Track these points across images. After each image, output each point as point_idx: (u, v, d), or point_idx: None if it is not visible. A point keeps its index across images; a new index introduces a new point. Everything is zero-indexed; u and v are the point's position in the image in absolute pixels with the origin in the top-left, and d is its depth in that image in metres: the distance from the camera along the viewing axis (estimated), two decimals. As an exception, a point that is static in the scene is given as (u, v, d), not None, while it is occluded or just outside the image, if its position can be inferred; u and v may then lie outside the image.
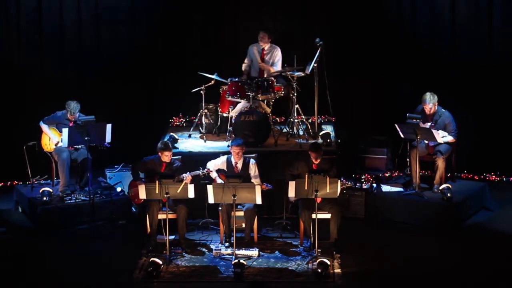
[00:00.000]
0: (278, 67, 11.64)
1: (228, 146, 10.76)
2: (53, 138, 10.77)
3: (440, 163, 10.55)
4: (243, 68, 11.82)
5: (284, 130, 11.41)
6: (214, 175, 9.98)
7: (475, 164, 11.98)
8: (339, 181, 9.28)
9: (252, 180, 9.81)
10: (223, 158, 10.09)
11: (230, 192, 9.16)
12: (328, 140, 11.10)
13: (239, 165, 9.97)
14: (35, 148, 10.95)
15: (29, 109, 12.15)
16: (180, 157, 10.52)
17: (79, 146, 10.74)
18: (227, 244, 9.75)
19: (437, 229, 10.17)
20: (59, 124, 10.74)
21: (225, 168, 9.95)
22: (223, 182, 9.55)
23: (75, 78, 12.47)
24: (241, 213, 9.78)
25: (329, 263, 9.00)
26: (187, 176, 9.66)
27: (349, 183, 10.58)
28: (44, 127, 10.82)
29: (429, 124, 10.53)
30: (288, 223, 10.38)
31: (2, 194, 11.87)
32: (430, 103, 10.54)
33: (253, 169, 9.97)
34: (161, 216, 9.68)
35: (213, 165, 10.04)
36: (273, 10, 12.67)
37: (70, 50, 12.50)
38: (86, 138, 10.20)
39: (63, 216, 10.42)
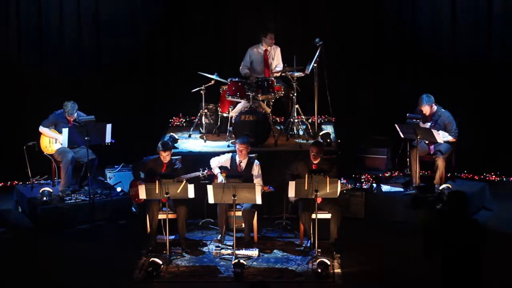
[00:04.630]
0: (280, 66, 11.64)
1: (228, 146, 10.77)
2: (58, 138, 10.70)
3: (440, 163, 10.56)
4: (243, 72, 11.73)
5: (283, 131, 11.41)
6: (216, 171, 9.96)
7: (475, 164, 11.98)
8: (339, 181, 9.28)
9: (254, 180, 9.81)
10: (227, 156, 10.06)
11: (230, 192, 9.17)
12: (328, 140, 11.10)
13: (243, 164, 9.95)
14: (35, 148, 10.93)
15: (29, 109, 12.13)
16: (180, 157, 10.52)
17: (76, 146, 10.73)
18: (221, 245, 9.70)
19: (437, 229, 10.16)
20: (58, 124, 10.71)
21: (228, 166, 9.94)
22: (223, 180, 9.55)
23: (75, 78, 12.45)
24: (241, 213, 9.78)
25: (329, 263, 9.00)
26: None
27: (350, 186, 10.57)
28: (44, 130, 10.77)
29: (429, 124, 10.54)
30: (288, 223, 10.38)
31: (2, 194, 11.87)
32: (426, 105, 10.56)
33: (256, 170, 9.94)
34: (161, 216, 9.67)
35: (216, 162, 10.03)
36: (273, 10, 12.67)
37: (70, 50, 12.49)
38: (86, 138, 10.21)
39: (63, 216, 10.42)
